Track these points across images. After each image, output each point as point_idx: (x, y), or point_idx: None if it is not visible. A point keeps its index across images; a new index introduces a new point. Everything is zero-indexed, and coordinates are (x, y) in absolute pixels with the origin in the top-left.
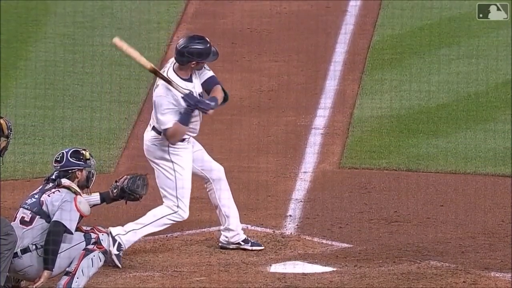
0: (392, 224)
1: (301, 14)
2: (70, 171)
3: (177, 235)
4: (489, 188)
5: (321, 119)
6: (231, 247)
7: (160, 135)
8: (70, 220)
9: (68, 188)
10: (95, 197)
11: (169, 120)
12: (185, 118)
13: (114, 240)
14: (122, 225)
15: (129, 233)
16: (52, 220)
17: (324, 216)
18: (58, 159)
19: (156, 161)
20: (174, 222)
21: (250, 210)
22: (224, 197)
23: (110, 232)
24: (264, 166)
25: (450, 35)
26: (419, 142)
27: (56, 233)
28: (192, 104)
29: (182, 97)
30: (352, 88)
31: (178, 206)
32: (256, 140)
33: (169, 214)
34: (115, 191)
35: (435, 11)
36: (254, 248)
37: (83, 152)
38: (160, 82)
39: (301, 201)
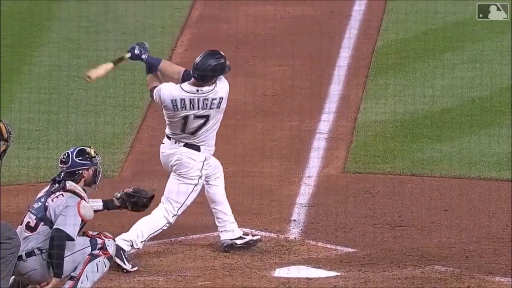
0: (396, 228)
1: (305, 18)
2: (76, 172)
3: (181, 239)
4: (494, 192)
5: (325, 123)
6: (238, 242)
7: (197, 150)
8: (73, 225)
9: (72, 192)
10: (98, 203)
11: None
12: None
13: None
14: (126, 239)
15: (132, 250)
16: (54, 227)
17: (328, 220)
18: (64, 159)
19: (184, 173)
20: None
21: (254, 215)
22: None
23: (122, 250)
24: (268, 170)
25: (454, 40)
26: (423, 147)
27: (59, 239)
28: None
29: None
30: (356, 93)
31: (174, 215)
32: (260, 145)
33: (164, 225)
34: (118, 194)
35: (439, 15)
36: (254, 237)
37: (88, 150)
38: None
39: (305, 205)
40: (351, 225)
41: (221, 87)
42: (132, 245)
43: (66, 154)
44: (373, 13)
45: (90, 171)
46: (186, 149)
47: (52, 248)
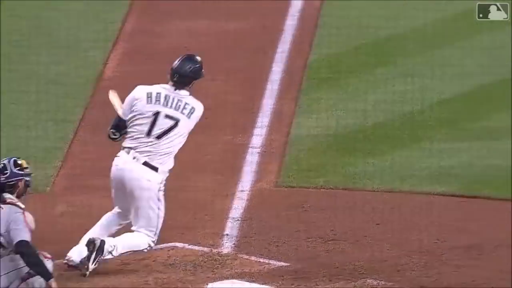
0: (329, 242)
1: (238, 33)
2: (13, 182)
3: None
4: (424, 206)
5: (258, 138)
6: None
7: (155, 171)
8: (28, 233)
9: (12, 204)
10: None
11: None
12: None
13: (98, 257)
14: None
15: (108, 256)
16: (15, 242)
17: (261, 234)
18: (0, 169)
19: (147, 197)
20: None
21: (187, 229)
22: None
23: (102, 250)
24: (201, 185)
25: (386, 55)
26: (355, 161)
27: (26, 247)
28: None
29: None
30: (289, 107)
31: (153, 240)
32: (194, 159)
33: (144, 248)
34: None
35: (371, 30)
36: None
37: (20, 161)
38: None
39: (238, 219)
40: (284, 239)
41: (197, 103)
42: (112, 251)
43: (2, 164)
44: (306, 28)
45: (23, 182)
46: (144, 168)
47: (27, 258)
